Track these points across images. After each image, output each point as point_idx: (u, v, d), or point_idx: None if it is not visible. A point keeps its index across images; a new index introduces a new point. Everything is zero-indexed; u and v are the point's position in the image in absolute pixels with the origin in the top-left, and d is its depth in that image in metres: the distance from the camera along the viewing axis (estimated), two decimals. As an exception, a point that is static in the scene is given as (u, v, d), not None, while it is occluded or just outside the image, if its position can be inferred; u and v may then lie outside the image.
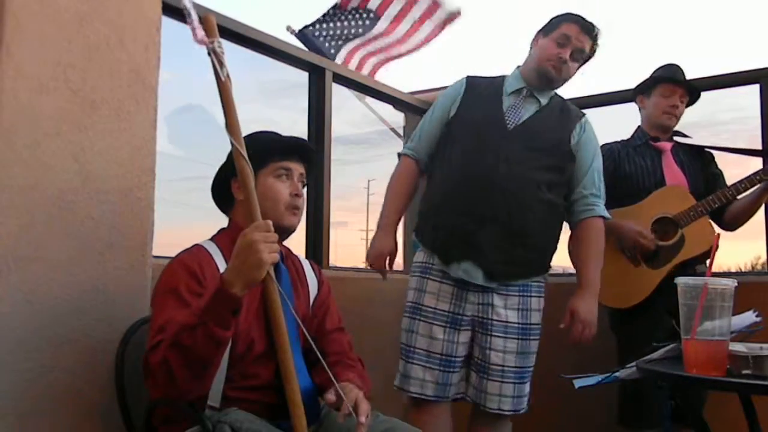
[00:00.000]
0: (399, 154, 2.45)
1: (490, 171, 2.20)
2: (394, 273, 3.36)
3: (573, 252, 2.41)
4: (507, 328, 2.23)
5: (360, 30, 3.71)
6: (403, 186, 2.39)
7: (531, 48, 2.41)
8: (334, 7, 3.68)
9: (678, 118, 2.69)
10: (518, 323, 2.24)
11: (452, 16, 3.78)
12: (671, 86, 2.67)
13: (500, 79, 2.41)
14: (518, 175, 2.20)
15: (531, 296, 2.27)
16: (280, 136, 1.76)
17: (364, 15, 3.71)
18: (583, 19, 2.32)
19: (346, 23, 3.70)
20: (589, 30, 2.32)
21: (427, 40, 3.83)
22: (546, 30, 2.36)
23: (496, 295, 2.22)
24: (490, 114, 2.30)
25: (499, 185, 2.18)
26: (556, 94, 2.40)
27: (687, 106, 2.72)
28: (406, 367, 2.25)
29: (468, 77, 2.42)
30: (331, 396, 1.52)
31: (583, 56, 2.34)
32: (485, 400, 2.22)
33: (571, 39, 2.29)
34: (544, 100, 2.35)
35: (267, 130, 1.77)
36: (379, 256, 2.34)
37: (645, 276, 2.53)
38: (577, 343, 2.28)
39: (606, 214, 2.36)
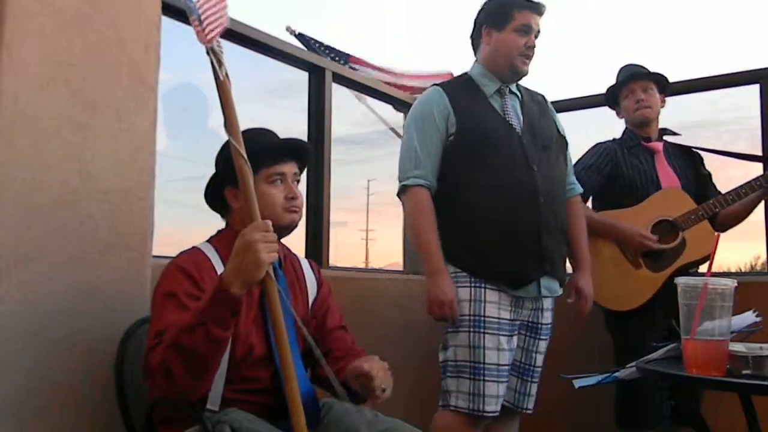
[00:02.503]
0: (406, 186, 2.22)
1: (530, 180, 2.17)
2: (393, 273, 3.38)
3: None
4: (548, 329, 2.29)
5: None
6: (432, 221, 2.18)
7: (483, 43, 2.31)
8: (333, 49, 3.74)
9: (652, 108, 2.69)
10: (551, 324, 2.31)
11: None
12: (626, 86, 2.72)
13: (469, 80, 2.31)
14: (547, 178, 2.22)
15: (554, 296, 2.32)
16: (271, 138, 1.73)
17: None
18: (531, 2, 2.26)
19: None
20: (541, 11, 2.27)
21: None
22: (497, 22, 2.26)
23: (543, 299, 2.25)
24: (495, 121, 2.23)
25: (541, 193, 2.18)
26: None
27: (663, 91, 2.73)
28: (477, 386, 2.10)
29: (440, 87, 2.30)
30: (360, 365, 1.52)
31: (538, 35, 2.30)
32: (526, 402, 2.24)
33: (531, 26, 2.24)
34: (518, 93, 2.33)
35: (258, 128, 1.74)
36: (443, 303, 2.11)
37: (646, 279, 2.53)
38: (581, 317, 2.35)
39: (581, 189, 2.46)
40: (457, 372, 2.14)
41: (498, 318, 2.13)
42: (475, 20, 2.35)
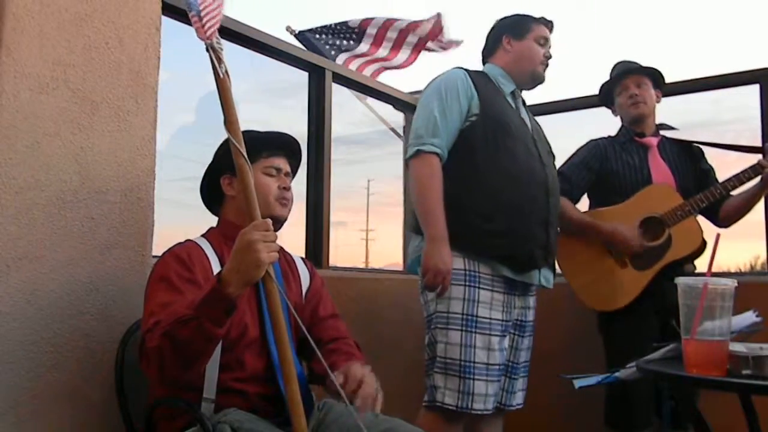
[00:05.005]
0: (421, 151, 2.18)
1: (543, 174, 2.26)
2: (393, 273, 3.38)
3: None
4: (531, 327, 2.35)
5: (351, 45, 3.78)
6: (441, 190, 2.15)
7: (501, 50, 2.42)
8: (341, 23, 3.73)
9: (647, 103, 2.67)
10: (534, 321, 2.36)
11: (451, 44, 3.88)
12: (619, 83, 2.73)
13: (487, 76, 2.37)
14: (553, 178, 2.32)
15: (547, 287, 2.36)
16: (264, 133, 1.79)
17: (350, 33, 3.78)
18: (546, 19, 2.45)
19: (342, 39, 3.75)
20: (552, 27, 2.46)
21: (409, 61, 3.91)
22: (517, 32, 2.41)
23: (530, 297, 2.32)
24: (514, 116, 2.32)
25: (551, 190, 2.28)
26: None
27: (659, 86, 2.72)
28: (465, 385, 2.11)
29: (465, 71, 2.32)
30: (339, 378, 1.50)
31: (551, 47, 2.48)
32: (512, 399, 2.29)
33: (548, 39, 2.43)
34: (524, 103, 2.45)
35: (247, 129, 1.76)
36: (440, 272, 2.08)
37: (631, 277, 2.50)
38: None
39: None
40: (445, 369, 2.14)
41: (489, 318, 2.16)
42: (494, 29, 2.49)
